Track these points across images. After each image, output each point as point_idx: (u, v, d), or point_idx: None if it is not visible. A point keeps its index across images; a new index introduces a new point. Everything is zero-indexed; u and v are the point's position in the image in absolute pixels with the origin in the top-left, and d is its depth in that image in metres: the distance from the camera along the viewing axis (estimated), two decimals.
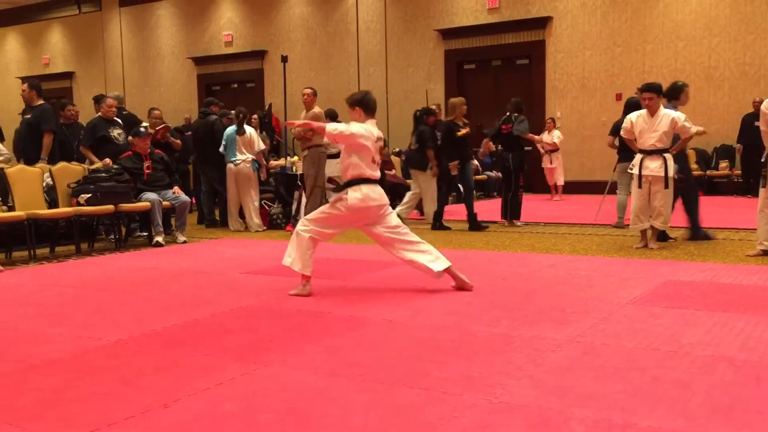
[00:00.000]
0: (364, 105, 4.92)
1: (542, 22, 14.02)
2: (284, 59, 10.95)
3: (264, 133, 11.03)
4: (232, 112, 10.34)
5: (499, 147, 9.27)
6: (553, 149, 12.47)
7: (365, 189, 4.77)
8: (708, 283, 5.01)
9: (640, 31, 13.25)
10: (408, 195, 9.43)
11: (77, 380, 3.13)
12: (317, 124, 5.10)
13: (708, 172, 12.64)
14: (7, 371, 3.28)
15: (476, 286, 5.02)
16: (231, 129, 9.06)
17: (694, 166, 12.62)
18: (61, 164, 7.74)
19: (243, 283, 5.35)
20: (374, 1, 15.70)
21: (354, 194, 4.75)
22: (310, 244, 4.81)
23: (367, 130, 4.80)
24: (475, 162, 12.60)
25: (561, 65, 13.99)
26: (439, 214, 8.75)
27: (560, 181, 12.59)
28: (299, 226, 4.90)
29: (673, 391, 2.82)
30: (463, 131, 8.62)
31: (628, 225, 7.11)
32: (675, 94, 7.14)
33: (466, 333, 3.77)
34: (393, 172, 11.92)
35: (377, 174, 4.84)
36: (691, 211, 7.14)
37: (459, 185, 10.12)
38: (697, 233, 7.14)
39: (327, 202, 8.80)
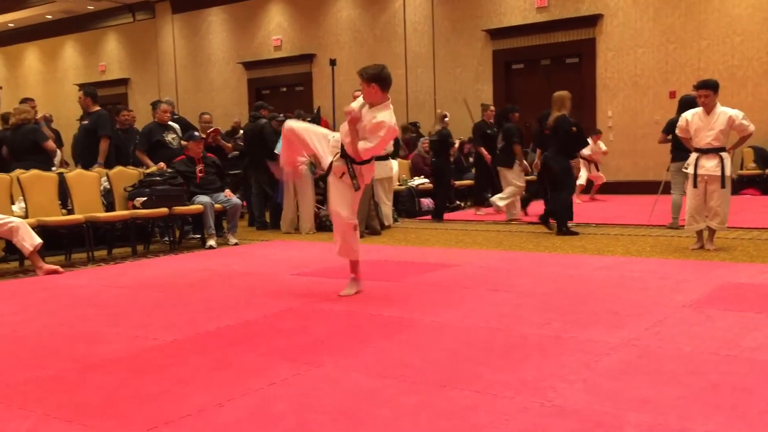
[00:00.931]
0: (381, 81, 4.65)
1: (592, 20, 13.80)
2: (332, 62, 11.04)
3: None
4: (281, 115, 10.46)
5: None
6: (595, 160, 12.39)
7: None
8: None
9: (695, 26, 12.93)
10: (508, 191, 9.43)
11: (135, 379, 3.21)
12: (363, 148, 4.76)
13: (767, 171, 12.25)
14: (68, 369, 3.39)
15: (526, 288, 4.97)
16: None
17: (751, 164, 12.28)
18: (118, 168, 7.95)
19: (293, 285, 5.41)
20: (422, 3, 15.69)
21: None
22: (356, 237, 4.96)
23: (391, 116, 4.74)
24: (525, 163, 12.51)
25: (612, 63, 13.75)
26: (548, 215, 8.20)
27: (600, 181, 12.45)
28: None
29: (733, 397, 2.74)
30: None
31: (683, 226, 6.95)
32: None
33: (517, 335, 3.74)
34: None
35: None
36: None
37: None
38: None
39: (375, 204, 8.90)
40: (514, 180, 9.45)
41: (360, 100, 4.85)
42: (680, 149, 7.36)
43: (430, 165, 10.80)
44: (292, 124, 5.14)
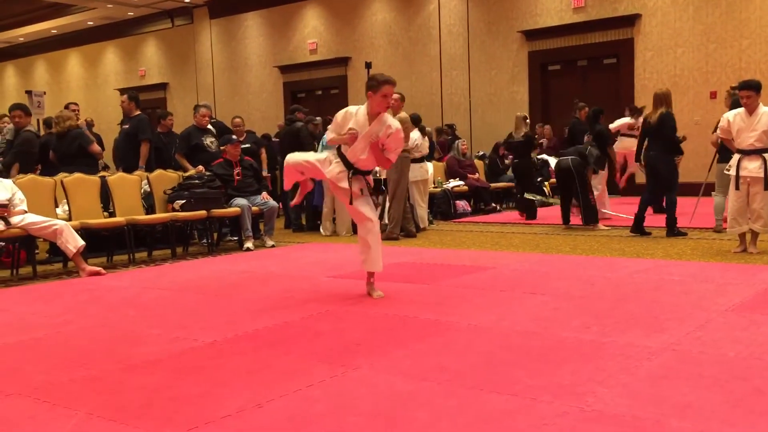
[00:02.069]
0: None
1: (630, 20, 13.62)
2: (368, 65, 11.09)
3: None
4: (318, 118, 10.53)
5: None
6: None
7: None
8: None
9: (736, 25, 12.67)
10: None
11: (175, 380, 3.26)
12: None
13: None
14: (111, 370, 3.45)
15: (564, 291, 4.93)
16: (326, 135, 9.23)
17: None
18: (158, 172, 8.09)
19: (330, 287, 5.44)
20: (456, 5, 15.66)
21: None
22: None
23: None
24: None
25: (651, 63, 13.55)
26: (640, 219, 7.88)
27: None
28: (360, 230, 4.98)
29: None
30: None
31: (726, 228, 6.82)
32: None
33: (555, 339, 3.71)
34: (476, 175, 11.86)
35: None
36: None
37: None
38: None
39: (411, 207, 8.90)
40: (597, 184, 9.39)
41: (360, 113, 4.86)
42: (726, 150, 7.25)
43: (512, 166, 10.79)
44: (289, 160, 5.15)
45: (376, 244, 4.87)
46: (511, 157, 10.95)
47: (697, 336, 3.65)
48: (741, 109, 6.33)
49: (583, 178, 8.71)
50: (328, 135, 5.03)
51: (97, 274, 6.41)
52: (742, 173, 6.25)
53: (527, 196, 10.23)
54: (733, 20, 12.68)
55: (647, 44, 13.56)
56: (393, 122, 4.92)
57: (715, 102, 12.02)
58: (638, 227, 7.86)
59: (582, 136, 10.08)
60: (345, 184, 4.85)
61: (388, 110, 4.95)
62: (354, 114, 4.84)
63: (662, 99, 7.77)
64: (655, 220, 8.51)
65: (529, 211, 10.10)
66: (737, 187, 6.30)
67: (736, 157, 6.33)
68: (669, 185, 7.74)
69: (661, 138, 7.66)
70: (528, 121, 10.74)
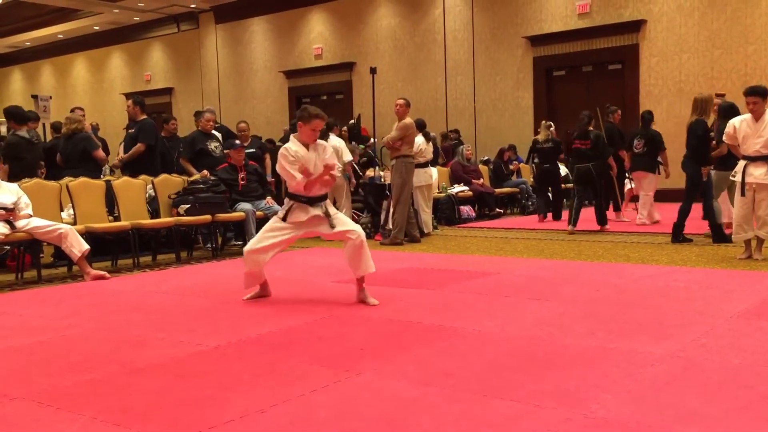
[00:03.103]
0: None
1: (636, 26, 13.63)
2: (372, 71, 11.09)
3: (353, 143, 11.17)
4: None
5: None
6: None
7: None
8: None
9: (741, 31, 12.67)
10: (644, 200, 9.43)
11: (179, 384, 3.26)
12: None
13: None
14: (115, 374, 3.46)
15: (568, 297, 4.92)
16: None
17: None
18: (163, 176, 8.10)
19: (334, 292, 5.44)
20: (462, 11, 15.68)
21: None
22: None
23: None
24: (565, 170, 12.40)
25: (656, 69, 13.55)
26: (680, 226, 7.68)
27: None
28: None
29: None
30: None
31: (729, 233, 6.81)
32: None
33: (559, 345, 3.70)
34: (481, 180, 11.86)
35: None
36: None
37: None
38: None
39: (415, 212, 8.90)
40: (646, 186, 9.52)
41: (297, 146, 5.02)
42: (725, 157, 7.33)
43: (541, 170, 10.98)
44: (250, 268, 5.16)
45: (365, 248, 4.94)
46: (537, 161, 11.23)
47: (702, 343, 3.64)
48: (747, 116, 6.32)
49: (601, 182, 9.04)
50: (292, 181, 4.98)
51: (102, 278, 6.42)
52: (748, 179, 6.24)
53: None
54: (739, 26, 12.67)
55: (652, 50, 13.56)
56: (322, 143, 5.18)
57: None
58: (676, 235, 7.65)
59: (619, 138, 10.06)
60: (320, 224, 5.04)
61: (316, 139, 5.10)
62: (295, 151, 4.99)
63: (697, 105, 7.64)
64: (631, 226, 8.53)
65: (555, 211, 10.76)
66: (743, 194, 6.28)
67: (741, 163, 6.32)
68: (689, 193, 7.62)
69: (689, 145, 7.57)
70: (552, 128, 11.07)
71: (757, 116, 6.23)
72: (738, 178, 6.32)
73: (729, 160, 7.26)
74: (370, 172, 10.37)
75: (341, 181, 9.05)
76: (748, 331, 3.84)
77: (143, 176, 8.13)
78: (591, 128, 9.33)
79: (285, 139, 12.43)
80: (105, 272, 6.55)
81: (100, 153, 8.23)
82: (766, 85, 7.11)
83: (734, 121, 6.45)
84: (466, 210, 11.18)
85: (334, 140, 9.12)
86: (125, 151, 8.88)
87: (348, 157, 9.20)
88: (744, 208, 6.31)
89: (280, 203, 9.59)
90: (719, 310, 4.35)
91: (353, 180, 9.54)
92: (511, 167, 13.00)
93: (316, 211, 5.01)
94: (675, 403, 2.78)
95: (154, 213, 7.92)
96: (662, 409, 2.72)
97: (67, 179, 7.41)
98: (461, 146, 12.35)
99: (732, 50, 12.77)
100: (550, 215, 10.80)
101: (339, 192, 9.08)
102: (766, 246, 6.54)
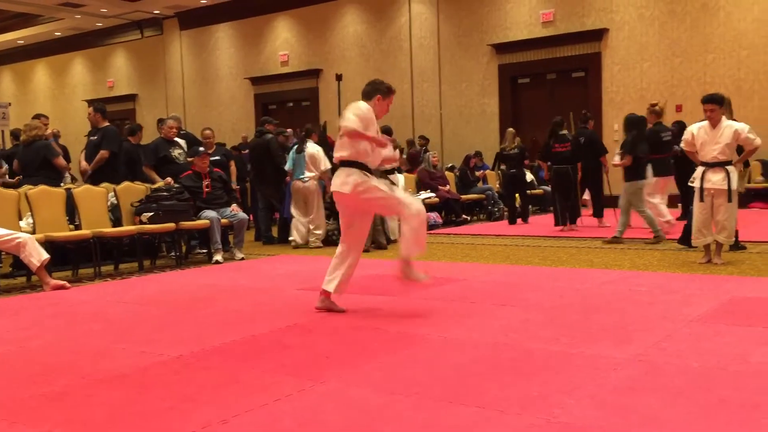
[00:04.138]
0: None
1: (598, 34, 13.84)
2: (339, 77, 11.11)
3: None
4: (288, 130, 10.51)
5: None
6: None
7: None
8: None
9: (701, 40, 12.94)
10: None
11: (141, 395, 3.21)
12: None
13: None
14: (75, 386, 3.38)
15: (533, 302, 4.96)
16: (295, 147, 9.21)
17: (759, 177, 12.24)
18: (125, 184, 7.98)
19: (300, 300, 5.41)
20: (428, 18, 15.77)
21: None
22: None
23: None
24: (531, 176, 12.52)
25: (618, 77, 13.77)
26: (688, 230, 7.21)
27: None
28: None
29: (741, 413, 2.72)
30: None
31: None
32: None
33: (524, 350, 3.72)
34: (447, 187, 11.91)
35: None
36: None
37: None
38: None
39: (381, 219, 8.89)
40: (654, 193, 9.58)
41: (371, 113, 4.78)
42: (634, 168, 7.92)
43: (508, 176, 11.24)
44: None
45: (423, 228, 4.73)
46: (503, 167, 11.59)
47: (663, 347, 3.69)
48: (704, 123, 6.45)
49: (576, 183, 9.69)
50: (354, 124, 4.57)
51: (62, 287, 6.29)
52: (706, 185, 6.35)
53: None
54: (698, 35, 12.94)
55: (614, 58, 13.78)
56: None
57: (681, 115, 12.23)
58: (685, 239, 7.29)
59: (599, 145, 10.15)
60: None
61: None
62: (370, 113, 4.72)
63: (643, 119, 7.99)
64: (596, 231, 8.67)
65: (524, 215, 11.11)
66: (702, 199, 6.40)
67: (700, 169, 6.44)
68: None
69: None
70: (516, 136, 11.44)
71: (714, 123, 6.35)
72: (697, 184, 6.44)
73: (638, 171, 8.01)
74: None
75: (316, 188, 9.02)
76: (707, 335, 3.91)
77: (105, 184, 8.00)
78: (564, 132, 9.73)
79: (244, 146, 12.37)
80: (65, 282, 6.42)
81: (61, 161, 8.08)
82: (724, 92, 7.29)
83: (692, 128, 6.57)
84: (433, 216, 11.21)
85: (312, 147, 9.08)
86: (87, 158, 8.73)
87: (326, 164, 9.14)
88: (703, 214, 6.42)
89: (246, 211, 9.57)
90: (680, 314, 4.41)
91: (329, 188, 9.50)
92: (477, 174, 13.08)
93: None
94: (637, 407, 2.81)
95: (117, 221, 7.80)
96: (624, 413, 2.75)
97: (26, 187, 7.25)
98: (427, 153, 12.40)
99: (692, 59, 13.04)
100: (519, 219, 11.07)
101: (313, 198, 9.03)
102: (724, 250, 6.67)
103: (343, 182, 4.68)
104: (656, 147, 8.91)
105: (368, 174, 4.70)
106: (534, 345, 3.82)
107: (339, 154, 4.73)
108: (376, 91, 4.84)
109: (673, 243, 8.02)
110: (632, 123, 8.26)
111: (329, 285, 4.80)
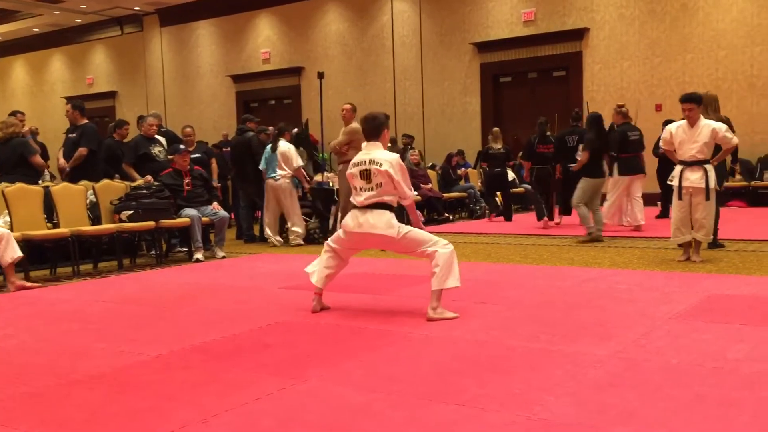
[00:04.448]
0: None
1: (579, 34, 13.92)
2: (320, 75, 11.07)
3: (301, 148, 11.10)
4: (270, 128, 10.46)
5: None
6: None
7: (348, 216, 4.76)
8: (753, 297, 4.88)
9: (680, 40, 13.07)
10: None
11: (119, 395, 3.18)
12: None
13: (752, 183, 12.35)
14: (52, 385, 3.35)
15: (514, 300, 4.98)
16: (269, 146, 9.18)
17: (738, 176, 12.38)
18: (104, 182, 7.91)
19: (281, 298, 5.39)
20: (410, 17, 15.78)
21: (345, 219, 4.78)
22: (328, 260, 4.82)
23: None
24: (512, 174, 12.57)
25: (599, 76, 13.87)
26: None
27: None
28: (327, 241, 4.93)
29: (719, 409, 2.75)
30: None
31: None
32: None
33: (505, 348, 3.73)
34: (430, 185, 11.93)
35: (361, 200, 4.69)
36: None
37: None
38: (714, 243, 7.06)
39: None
40: (640, 189, 9.72)
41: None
42: (590, 165, 8.16)
43: (492, 175, 11.39)
44: None
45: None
46: (486, 166, 11.71)
47: (642, 344, 3.72)
48: (683, 122, 6.50)
49: (556, 182, 10.02)
50: (409, 192, 4.75)
51: (25, 288, 6.18)
52: (684, 184, 6.41)
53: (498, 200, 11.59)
54: (677, 35, 13.07)
55: (595, 57, 13.87)
56: None
57: (660, 114, 12.35)
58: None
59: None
60: None
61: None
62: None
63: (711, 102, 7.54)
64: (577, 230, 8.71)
65: (507, 213, 11.33)
66: (680, 198, 6.46)
67: (678, 168, 6.49)
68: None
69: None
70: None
71: (692, 122, 6.41)
72: (675, 183, 6.49)
73: (594, 168, 8.27)
74: (318, 177, 10.33)
75: (288, 186, 8.99)
76: (685, 332, 3.94)
77: (84, 182, 7.91)
78: (549, 133, 10.00)
79: (225, 144, 12.29)
80: (32, 283, 6.30)
81: (38, 159, 7.98)
82: (703, 91, 7.36)
83: (671, 127, 6.63)
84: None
85: (284, 145, 9.04)
86: (65, 156, 8.64)
87: (298, 162, 9.12)
88: (681, 212, 6.48)
89: (227, 209, 9.52)
90: (659, 312, 4.45)
91: (305, 185, 9.48)
92: (459, 172, 13.11)
93: None
94: (616, 403, 2.83)
95: (96, 219, 7.72)
96: (604, 409, 2.77)
97: (3, 185, 7.16)
98: (409, 150, 12.41)
99: (671, 58, 13.16)
100: (501, 218, 11.28)
101: (285, 197, 9.00)
102: (703, 248, 6.74)
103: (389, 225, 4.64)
104: (624, 146, 9.19)
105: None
106: (514, 342, 3.83)
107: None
108: (383, 125, 4.84)
109: (652, 240, 8.10)
110: (592, 122, 8.52)
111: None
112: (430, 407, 2.87)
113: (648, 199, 10.60)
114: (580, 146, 8.98)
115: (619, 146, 9.08)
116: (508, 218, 11.25)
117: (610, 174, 9.31)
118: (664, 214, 9.93)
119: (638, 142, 9.37)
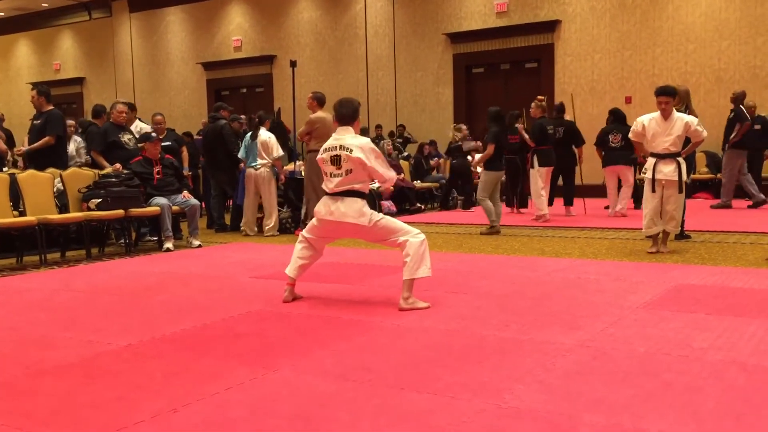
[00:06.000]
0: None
1: (551, 26, 14.01)
2: (293, 64, 10.99)
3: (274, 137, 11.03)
4: (242, 116, 10.37)
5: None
6: None
7: (320, 202, 4.71)
8: (719, 287, 4.98)
9: (650, 34, 13.22)
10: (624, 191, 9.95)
11: (88, 385, 3.14)
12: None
13: (718, 176, 12.54)
14: (19, 376, 3.30)
15: (485, 290, 5.01)
16: (249, 134, 9.09)
17: (704, 169, 12.59)
18: (72, 170, 7.78)
19: (252, 288, 5.36)
20: (383, 6, 15.73)
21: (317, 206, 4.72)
22: (302, 251, 4.81)
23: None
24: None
25: (570, 68, 13.97)
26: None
27: None
28: (302, 232, 4.91)
29: (684, 396, 2.80)
30: None
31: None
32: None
33: (476, 337, 3.76)
34: (402, 175, 11.93)
35: (332, 186, 4.60)
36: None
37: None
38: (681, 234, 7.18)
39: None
40: (630, 179, 10.09)
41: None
42: (493, 159, 8.41)
43: (453, 165, 11.81)
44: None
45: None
46: (447, 158, 12.26)
47: (611, 333, 3.78)
48: (656, 114, 6.57)
49: (524, 171, 10.30)
50: (388, 173, 4.69)
51: None
52: (657, 176, 6.49)
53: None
54: (647, 28, 13.21)
55: (567, 50, 13.97)
56: None
57: (630, 107, 12.48)
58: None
59: (578, 136, 10.56)
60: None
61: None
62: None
63: (686, 96, 7.69)
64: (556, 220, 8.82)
65: (467, 204, 11.76)
66: (653, 190, 6.54)
67: (651, 160, 6.57)
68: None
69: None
70: (465, 129, 12.04)
71: (666, 115, 6.49)
72: (648, 175, 6.58)
73: (496, 162, 8.49)
74: (290, 166, 10.27)
75: (268, 175, 8.92)
76: (653, 321, 4.01)
77: (51, 169, 7.77)
78: (518, 125, 10.23)
79: (201, 132, 12.16)
80: None
81: (0, 145, 7.82)
82: (672, 84, 7.46)
83: (643, 119, 6.70)
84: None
85: (265, 134, 8.98)
86: (30, 143, 8.47)
87: (278, 152, 9.05)
88: (654, 204, 6.57)
89: (198, 198, 9.42)
90: (627, 301, 4.52)
91: (281, 176, 9.42)
92: (431, 162, 13.14)
93: None
94: (584, 391, 2.87)
95: (63, 208, 7.60)
96: (572, 397, 2.81)
97: None
98: (382, 141, 12.40)
99: (641, 51, 13.30)
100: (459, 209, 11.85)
101: (265, 186, 8.93)
102: (670, 239, 6.85)
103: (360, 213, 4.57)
104: (542, 139, 9.67)
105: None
106: (485, 332, 3.86)
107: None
108: (357, 111, 4.78)
109: (620, 231, 8.21)
110: (495, 117, 8.77)
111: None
112: (401, 396, 2.88)
113: (599, 191, 10.88)
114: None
115: (537, 139, 9.61)
116: (467, 207, 11.72)
117: (531, 166, 9.75)
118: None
119: (555, 135, 9.94)
